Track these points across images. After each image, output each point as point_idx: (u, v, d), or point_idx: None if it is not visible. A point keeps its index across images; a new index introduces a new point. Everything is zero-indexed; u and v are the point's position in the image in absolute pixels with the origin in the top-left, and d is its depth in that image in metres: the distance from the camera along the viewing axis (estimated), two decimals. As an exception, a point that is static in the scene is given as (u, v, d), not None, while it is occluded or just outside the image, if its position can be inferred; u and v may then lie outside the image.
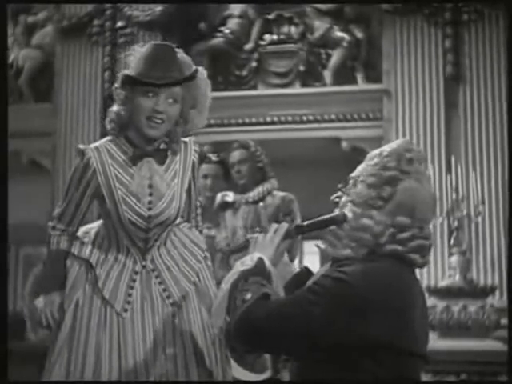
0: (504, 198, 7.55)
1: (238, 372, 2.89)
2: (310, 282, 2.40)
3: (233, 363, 2.97)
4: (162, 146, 3.09)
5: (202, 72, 3.08)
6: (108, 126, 3.10)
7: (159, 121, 2.98)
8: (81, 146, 3.11)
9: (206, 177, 5.74)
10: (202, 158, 5.68)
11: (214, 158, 5.87)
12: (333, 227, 2.43)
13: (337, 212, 2.43)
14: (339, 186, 2.50)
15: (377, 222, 2.34)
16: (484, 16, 7.90)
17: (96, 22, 8.84)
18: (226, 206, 5.67)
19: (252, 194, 5.64)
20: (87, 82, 8.80)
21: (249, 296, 2.37)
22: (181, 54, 3.04)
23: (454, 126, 7.88)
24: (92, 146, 3.11)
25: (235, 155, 5.72)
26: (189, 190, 3.19)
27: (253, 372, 2.77)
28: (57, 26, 9.11)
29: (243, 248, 2.61)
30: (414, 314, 2.33)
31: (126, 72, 3.01)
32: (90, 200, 3.11)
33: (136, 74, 2.97)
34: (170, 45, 3.04)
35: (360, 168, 2.46)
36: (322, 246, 2.45)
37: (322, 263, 2.53)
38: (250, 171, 5.66)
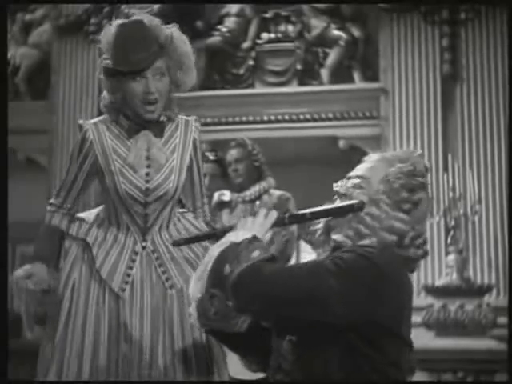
0: (501, 197, 7.56)
1: (234, 370, 2.88)
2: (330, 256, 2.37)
3: (229, 361, 2.96)
4: (161, 118, 3.08)
5: (176, 31, 3.06)
6: (104, 110, 3.12)
7: (153, 100, 2.97)
8: (80, 121, 3.14)
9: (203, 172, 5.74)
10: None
11: (211, 156, 5.87)
12: (351, 223, 2.42)
13: (354, 200, 2.42)
14: (350, 175, 2.51)
15: (405, 225, 2.40)
16: (481, 15, 7.91)
17: (93, 20, 8.83)
18: (222, 204, 5.67)
19: (249, 193, 5.65)
20: (84, 79, 8.80)
21: (227, 268, 2.32)
22: (150, 21, 3.01)
23: (451, 124, 7.88)
24: (91, 120, 3.14)
25: (232, 154, 5.72)
26: (190, 168, 3.16)
27: (249, 370, 2.76)
28: (54, 24, 9.10)
29: (228, 231, 2.51)
30: (408, 306, 2.41)
31: (105, 63, 3.03)
32: (88, 175, 3.10)
33: (115, 63, 2.97)
34: (138, 20, 3.02)
35: (375, 168, 2.48)
36: (339, 238, 2.44)
37: (317, 250, 2.52)
38: (247, 170, 5.66)
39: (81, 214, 3.17)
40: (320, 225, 2.50)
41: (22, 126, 8.51)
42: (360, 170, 2.50)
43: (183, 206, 3.26)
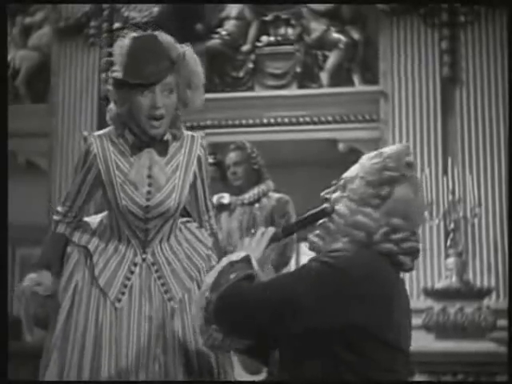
0: (500, 200, 7.57)
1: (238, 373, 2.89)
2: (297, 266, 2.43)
3: (235, 364, 2.96)
4: (165, 138, 3.06)
5: (189, 50, 3.04)
6: (110, 123, 3.09)
7: (159, 116, 2.95)
8: (84, 133, 3.12)
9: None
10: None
11: (210, 159, 5.87)
12: (323, 221, 2.43)
13: (324, 205, 2.44)
14: (332, 183, 2.51)
15: (371, 220, 2.36)
16: (481, 17, 7.91)
17: (93, 23, 8.84)
18: (221, 207, 5.67)
19: (247, 196, 5.65)
20: (84, 82, 8.80)
21: (208, 295, 2.38)
22: (163, 37, 3.00)
23: (451, 127, 7.89)
24: (96, 133, 3.12)
25: (231, 157, 5.72)
26: (194, 185, 3.16)
27: (248, 373, 2.77)
28: (54, 26, 9.11)
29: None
30: (396, 310, 2.37)
31: (116, 75, 2.98)
32: (91, 187, 3.10)
33: (126, 74, 2.94)
34: (151, 34, 3.01)
35: (354, 168, 2.47)
36: (313, 238, 2.45)
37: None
38: (246, 173, 5.67)
39: (85, 218, 3.18)
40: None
41: (22, 129, 8.51)
42: (348, 171, 2.50)
43: (188, 214, 3.26)
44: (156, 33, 3.01)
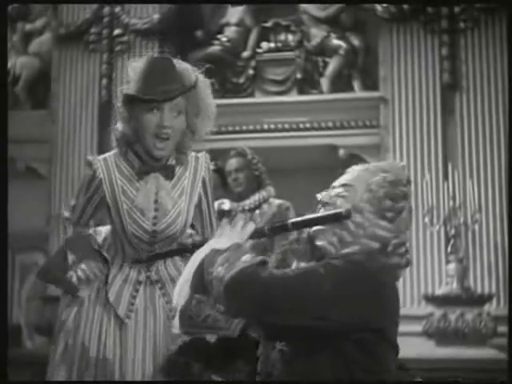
0: (501, 206, 7.56)
1: None
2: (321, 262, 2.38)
3: None
4: (170, 162, 3.06)
5: (202, 79, 3.04)
6: (115, 143, 3.08)
7: (165, 136, 2.94)
8: (89, 157, 3.11)
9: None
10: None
11: (210, 166, 5.86)
12: (335, 228, 2.41)
13: (340, 209, 2.41)
14: (334, 184, 2.51)
15: (388, 233, 2.41)
16: (480, 23, 7.92)
17: (93, 29, 8.85)
18: (222, 213, 5.66)
19: (248, 202, 5.64)
20: (84, 89, 8.80)
21: (219, 269, 2.29)
22: (179, 63, 3.00)
23: (451, 133, 7.89)
24: (100, 157, 3.10)
25: (232, 163, 5.72)
26: (199, 206, 3.17)
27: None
28: (54, 33, 9.11)
29: (199, 246, 2.48)
30: (398, 315, 2.42)
31: (126, 91, 2.98)
32: (96, 207, 3.12)
33: (136, 91, 2.93)
34: (167, 57, 3.02)
35: (355, 177, 2.48)
36: (324, 244, 2.43)
37: (301, 260, 2.52)
38: (247, 179, 5.66)
39: (91, 230, 3.19)
40: (303, 235, 2.49)
41: (22, 135, 8.51)
42: (343, 179, 2.50)
43: (193, 226, 3.26)
44: (170, 57, 3.02)
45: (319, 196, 2.51)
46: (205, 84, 3.05)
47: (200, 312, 2.45)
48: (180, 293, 2.43)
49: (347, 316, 2.25)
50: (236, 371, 2.63)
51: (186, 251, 2.57)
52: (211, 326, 2.47)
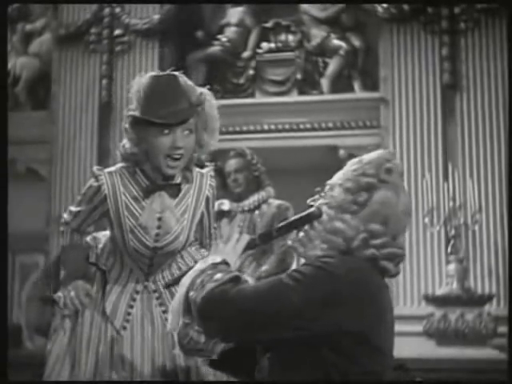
0: (501, 206, 7.56)
1: None
2: (287, 271, 2.36)
3: None
4: (176, 180, 3.04)
5: (208, 93, 3.00)
6: (120, 159, 3.06)
7: (178, 156, 2.92)
8: (95, 170, 3.08)
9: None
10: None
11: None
12: (306, 227, 2.41)
13: (311, 209, 2.42)
14: (317, 189, 2.49)
15: (349, 226, 2.35)
16: (481, 24, 7.92)
17: (94, 30, 8.85)
18: (221, 214, 5.66)
19: (248, 203, 5.64)
20: (85, 89, 8.80)
21: (192, 293, 2.30)
22: (183, 79, 2.96)
23: (451, 133, 7.89)
24: (106, 170, 3.07)
25: (231, 164, 5.72)
26: (200, 222, 3.16)
27: None
28: (54, 33, 9.11)
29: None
30: (384, 314, 2.35)
31: (133, 113, 2.93)
32: (99, 218, 3.11)
33: (145, 113, 2.89)
34: (172, 74, 2.97)
35: (337, 175, 2.47)
36: (294, 244, 2.44)
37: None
38: (246, 180, 5.66)
39: (90, 236, 3.19)
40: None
41: (23, 136, 8.52)
42: (333, 178, 2.49)
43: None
44: (176, 73, 2.97)
45: (308, 200, 2.49)
46: (211, 98, 3.00)
47: (185, 335, 2.44)
48: (173, 316, 2.43)
49: (320, 322, 2.21)
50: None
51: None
52: (193, 348, 2.46)
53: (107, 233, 3.17)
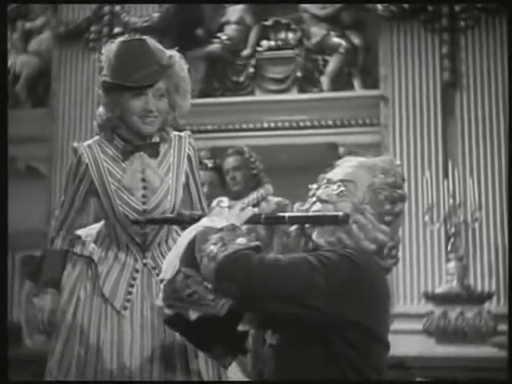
0: (501, 204, 7.56)
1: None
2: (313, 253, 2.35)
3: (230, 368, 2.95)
4: (154, 140, 3.10)
5: (177, 55, 3.09)
6: (98, 129, 3.13)
7: (152, 119, 3.00)
8: (74, 144, 3.17)
9: (202, 184, 5.72)
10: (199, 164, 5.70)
11: (209, 164, 5.87)
12: (335, 230, 2.38)
13: (339, 212, 2.37)
14: (329, 178, 2.47)
15: (386, 237, 2.40)
16: (481, 22, 7.92)
17: (93, 28, 8.84)
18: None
19: (247, 201, 5.64)
20: (84, 87, 8.80)
21: (212, 248, 2.26)
22: (152, 42, 3.06)
23: (451, 131, 7.89)
24: (85, 143, 3.15)
25: (230, 161, 5.72)
26: (187, 185, 3.18)
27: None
28: (54, 32, 9.12)
29: (198, 219, 2.46)
30: (389, 313, 2.42)
31: (105, 78, 3.03)
32: (85, 198, 3.13)
33: (117, 78, 2.98)
34: (141, 38, 3.07)
35: (353, 174, 2.45)
36: (320, 242, 2.39)
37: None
38: (245, 177, 5.66)
39: (81, 231, 3.20)
40: (295, 228, 2.46)
41: (23, 134, 8.52)
42: (341, 174, 2.47)
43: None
44: (144, 37, 3.07)
45: (316, 190, 2.48)
46: (179, 61, 3.08)
47: (186, 287, 2.39)
48: (168, 266, 2.41)
49: (337, 309, 2.23)
50: (213, 355, 2.61)
51: (183, 222, 2.56)
52: (196, 302, 2.40)
53: (100, 223, 3.19)
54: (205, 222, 2.39)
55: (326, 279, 2.23)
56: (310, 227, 2.42)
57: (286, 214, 2.45)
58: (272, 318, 2.32)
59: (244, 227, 2.42)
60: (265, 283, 2.22)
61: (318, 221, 2.41)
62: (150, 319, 3.05)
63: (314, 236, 2.41)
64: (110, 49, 3.06)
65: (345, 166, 2.50)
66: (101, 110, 3.09)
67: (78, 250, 3.15)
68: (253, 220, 2.46)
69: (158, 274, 3.07)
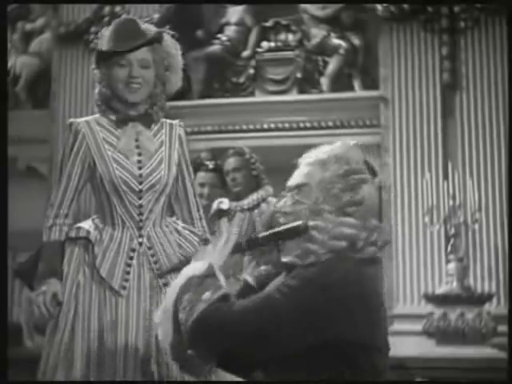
0: (501, 205, 7.56)
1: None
2: (274, 284, 2.32)
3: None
4: (147, 111, 3.23)
5: (167, 34, 3.28)
6: (96, 108, 3.27)
7: (137, 85, 3.15)
8: (70, 120, 3.28)
9: (202, 185, 5.73)
10: (199, 165, 5.71)
11: (210, 165, 5.87)
12: (299, 240, 2.30)
13: (297, 222, 2.31)
14: (288, 185, 2.43)
15: (354, 229, 2.28)
16: (481, 23, 7.92)
17: (94, 28, 8.84)
18: (221, 213, 5.66)
19: (247, 202, 5.64)
20: (85, 88, 8.80)
21: (181, 315, 2.23)
22: (144, 24, 3.25)
23: (451, 132, 7.89)
24: (82, 119, 3.28)
25: (230, 162, 5.72)
26: (179, 165, 3.27)
27: None
28: (54, 32, 9.11)
29: (181, 267, 2.45)
30: (376, 312, 2.29)
31: (97, 49, 3.22)
32: (81, 175, 3.19)
33: (104, 44, 3.18)
34: (132, 18, 3.29)
35: (309, 174, 2.40)
36: (289, 260, 2.32)
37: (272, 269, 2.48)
38: (245, 179, 5.66)
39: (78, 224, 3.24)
40: (271, 246, 2.41)
41: (23, 135, 8.53)
42: (297, 178, 2.42)
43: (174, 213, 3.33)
44: (135, 18, 3.30)
45: (278, 205, 2.42)
46: (171, 40, 3.30)
47: (182, 352, 2.34)
48: (163, 327, 2.34)
49: (315, 334, 2.16)
50: None
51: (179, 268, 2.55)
52: (190, 370, 2.41)
53: (91, 218, 3.25)
54: (187, 271, 2.35)
55: (293, 310, 2.16)
56: (280, 248, 2.37)
57: (260, 235, 2.42)
58: (258, 364, 2.26)
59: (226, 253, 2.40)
60: (238, 334, 2.17)
61: (283, 235, 2.34)
62: (147, 299, 3.10)
63: (283, 257, 2.35)
64: (106, 30, 3.24)
65: (302, 166, 2.47)
66: (96, 87, 3.25)
67: (73, 234, 3.19)
68: (236, 250, 2.43)
69: (152, 255, 3.16)
